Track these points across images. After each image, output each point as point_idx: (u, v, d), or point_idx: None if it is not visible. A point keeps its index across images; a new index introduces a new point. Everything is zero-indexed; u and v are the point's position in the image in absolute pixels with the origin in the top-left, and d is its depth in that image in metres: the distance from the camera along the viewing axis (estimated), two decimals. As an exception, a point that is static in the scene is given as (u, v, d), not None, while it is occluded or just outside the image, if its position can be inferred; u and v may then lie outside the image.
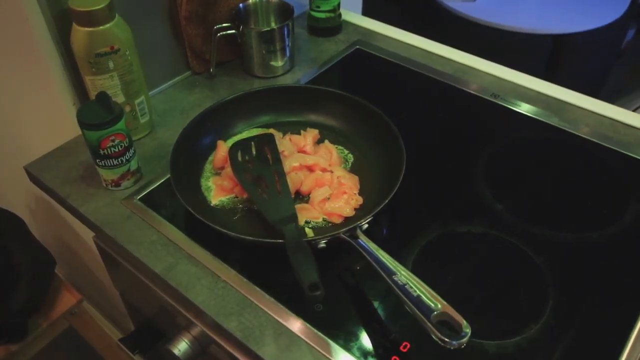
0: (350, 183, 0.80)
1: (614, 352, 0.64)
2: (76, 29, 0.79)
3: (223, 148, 0.85)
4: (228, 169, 0.82)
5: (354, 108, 0.89)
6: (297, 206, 0.77)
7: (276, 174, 0.78)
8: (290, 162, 0.82)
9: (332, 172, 0.82)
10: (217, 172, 0.85)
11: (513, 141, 0.94)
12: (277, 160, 0.80)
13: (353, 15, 1.23)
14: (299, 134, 0.89)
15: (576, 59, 2.08)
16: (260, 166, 0.79)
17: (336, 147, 0.87)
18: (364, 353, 0.64)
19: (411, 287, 0.60)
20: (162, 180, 0.85)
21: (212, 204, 0.80)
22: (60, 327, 1.38)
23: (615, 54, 2.22)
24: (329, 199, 0.79)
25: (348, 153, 0.88)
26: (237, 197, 0.81)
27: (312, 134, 0.88)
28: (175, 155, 0.80)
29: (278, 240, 0.69)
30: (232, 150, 0.81)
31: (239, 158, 0.80)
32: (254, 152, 0.81)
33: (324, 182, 0.80)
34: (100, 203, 0.82)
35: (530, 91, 1.01)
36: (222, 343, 0.71)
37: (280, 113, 0.93)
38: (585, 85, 1.81)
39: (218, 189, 0.82)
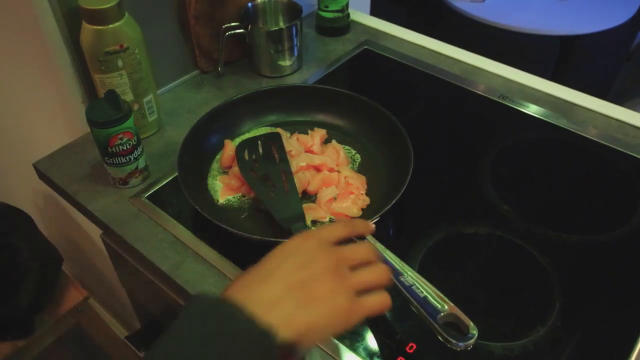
0: (358, 183, 0.80)
1: (621, 355, 0.63)
2: (86, 27, 0.79)
3: (230, 147, 0.85)
4: (235, 168, 0.82)
5: (362, 108, 0.89)
6: (304, 206, 0.77)
7: (283, 173, 0.78)
8: (298, 162, 0.82)
9: (339, 172, 0.82)
10: (225, 170, 0.85)
11: (520, 142, 0.93)
12: (284, 159, 0.80)
13: (361, 15, 1.23)
14: (307, 133, 0.89)
15: (584, 60, 2.07)
16: (267, 165, 0.79)
17: (343, 147, 0.87)
18: (370, 353, 0.64)
19: (418, 288, 0.60)
20: (170, 179, 0.85)
21: (219, 203, 0.81)
22: (67, 324, 1.38)
23: (624, 56, 2.21)
24: (335, 199, 0.79)
25: (355, 153, 0.88)
26: (244, 196, 0.81)
27: (319, 134, 0.88)
28: (183, 154, 0.80)
29: (285, 240, 0.69)
30: (239, 148, 0.81)
31: (246, 157, 0.80)
32: (261, 151, 0.81)
33: (331, 182, 0.80)
34: (108, 201, 0.82)
35: (538, 92, 1.01)
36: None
37: (287, 112, 0.93)
38: (593, 87, 1.80)
39: (225, 188, 0.82)
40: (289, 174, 0.78)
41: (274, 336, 0.45)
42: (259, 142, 0.82)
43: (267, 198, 0.75)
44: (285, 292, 0.48)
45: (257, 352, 0.44)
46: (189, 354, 0.43)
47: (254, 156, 0.80)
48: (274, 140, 0.83)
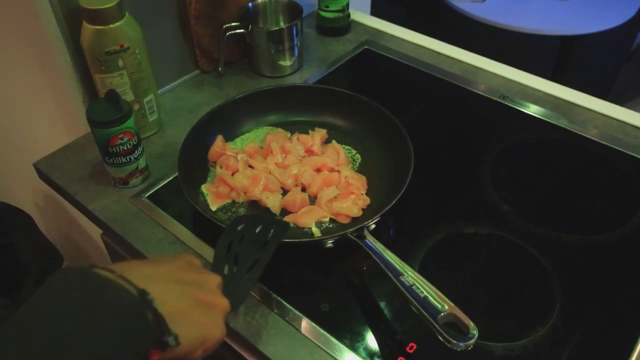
0: (358, 183, 0.80)
1: (621, 355, 0.64)
2: (86, 27, 0.79)
3: (219, 144, 0.85)
4: (220, 171, 0.82)
5: (362, 108, 0.89)
6: (306, 209, 0.77)
7: (257, 261, 0.64)
8: (299, 169, 0.82)
9: (339, 172, 0.82)
10: (211, 165, 0.84)
11: (521, 142, 0.93)
12: (269, 250, 0.65)
13: (361, 15, 1.23)
14: (307, 133, 0.89)
15: (584, 60, 2.07)
16: (248, 247, 0.65)
17: (343, 147, 0.87)
18: (370, 353, 0.64)
19: (418, 288, 0.60)
20: (170, 179, 0.85)
21: (213, 210, 0.79)
22: (67, 324, 1.38)
23: (624, 56, 2.21)
24: (336, 198, 0.79)
25: (355, 153, 0.88)
26: (236, 202, 0.81)
27: (320, 134, 0.88)
28: (183, 154, 0.80)
29: (286, 240, 0.69)
30: (237, 221, 0.68)
31: (238, 228, 0.67)
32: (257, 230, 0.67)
33: (332, 182, 0.80)
34: (108, 201, 0.82)
35: (538, 92, 1.01)
36: (228, 341, 0.71)
37: (288, 112, 0.93)
38: (594, 87, 1.80)
39: (213, 197, 0.80)
40: (259, 266, 0.63)
41: (148, 303, 0.42)
42: (260, 225, 0.68)
43: (221, 272, 0.61)
44: (167, 276, 0.47)
45: (132, 319, 0.41)
46: (44, 327, 0.38)
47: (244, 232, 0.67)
48: (279, 230, 0.68)
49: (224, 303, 0.52)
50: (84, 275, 0.42)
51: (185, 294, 0.47)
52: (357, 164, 0.86)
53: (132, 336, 0.41)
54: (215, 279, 0.53)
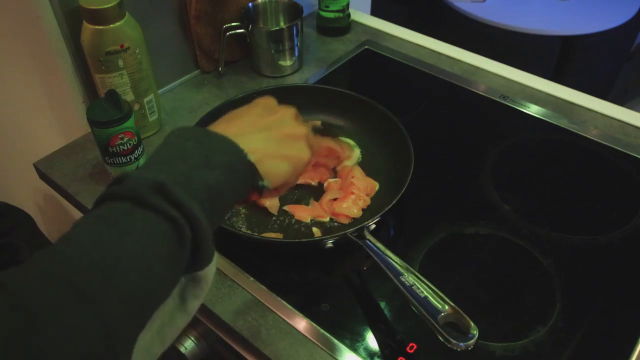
0: (362, 185, 0.80)
1: (621, 355, 0.63)
2: (86, 27, 0.79)
3: None
4: None
5: (362, 108, 0.89)
6: (304, 207, 0.77)
7: None
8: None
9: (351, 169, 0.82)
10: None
11: (521, 142, 0.93)
12: None
13: (362, 15, 1.23)
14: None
15: (585, 60, 2.07)
16: None
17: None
18: (370, 354, 0.64)
19: (418, 288, 0.60)
20: (170, 179, 0.85)
21: None
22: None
23: (625, 56, 2.21)
24: (336, 199, 0.79)
25: (356, 153, 0.88)
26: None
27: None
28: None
29: (286, 240, 0.69)
30: None
31: None
32: None
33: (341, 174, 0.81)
34: (108, 201, 0.82)
35: (539, 92, 1.01)
36: (229, 341, 0.71)
37: (288, 112, 0.93)
38: (594, 87, 1.80)
39: None
40: None
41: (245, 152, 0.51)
42: None
43: None
44: (251, 129, 0.54)
45: (234, 161, 0.50)
46: (172, 162, 0.47)
47: None
48: None
49: (303, 130, 0.58)
50: (195, 130, 0.51)
51: (270, 137, 0.55)
52: (357, 164, 0.86)
53: (237, 177, 0.50)
54: (290, 111, 0.60)
